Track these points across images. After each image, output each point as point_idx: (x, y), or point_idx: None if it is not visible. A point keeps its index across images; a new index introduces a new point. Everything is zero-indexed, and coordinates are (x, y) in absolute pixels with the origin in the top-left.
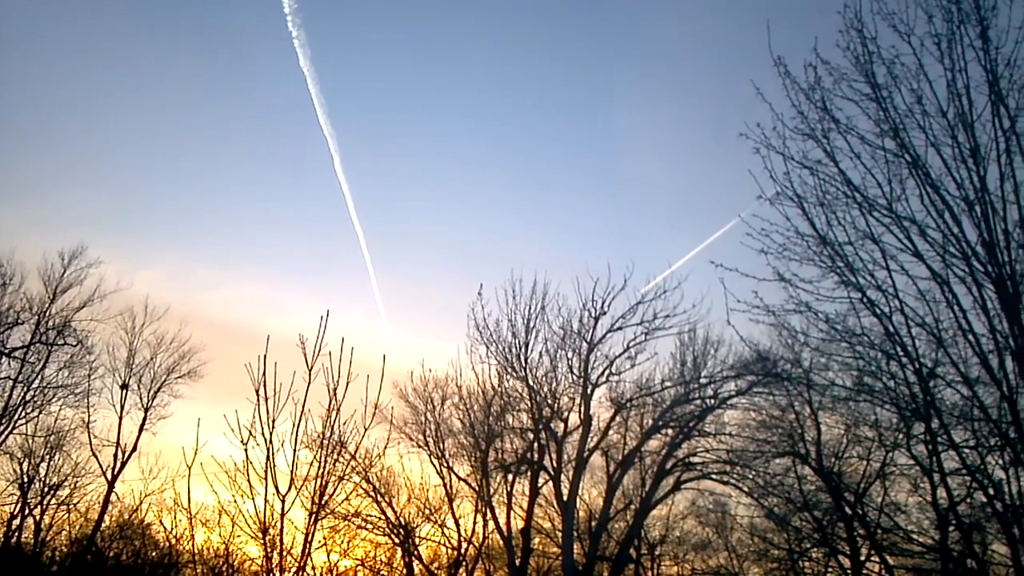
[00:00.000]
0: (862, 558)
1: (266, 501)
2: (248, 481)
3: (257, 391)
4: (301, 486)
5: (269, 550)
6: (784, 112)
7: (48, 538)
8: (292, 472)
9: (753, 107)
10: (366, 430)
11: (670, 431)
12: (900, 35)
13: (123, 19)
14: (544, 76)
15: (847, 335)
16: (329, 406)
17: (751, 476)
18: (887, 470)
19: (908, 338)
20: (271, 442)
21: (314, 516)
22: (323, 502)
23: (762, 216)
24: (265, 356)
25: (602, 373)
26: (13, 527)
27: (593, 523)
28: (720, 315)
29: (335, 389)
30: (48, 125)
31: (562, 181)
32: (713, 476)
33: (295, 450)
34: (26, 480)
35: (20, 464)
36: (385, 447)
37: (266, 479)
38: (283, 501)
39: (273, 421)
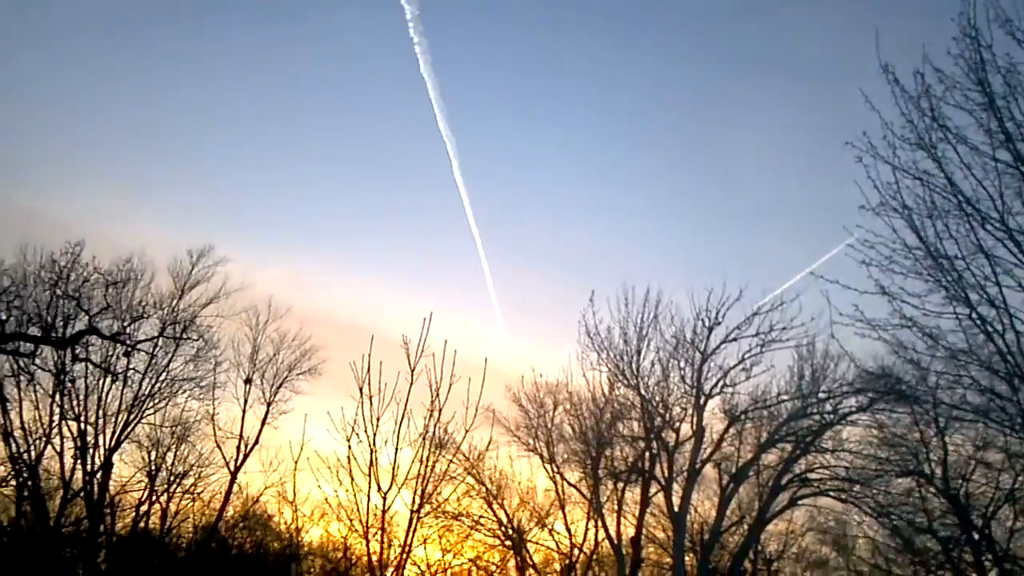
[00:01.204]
0: None
1: (368, 498)
2: (351, 476)
3: (361, 389)
4: (403, 484)
5: (373, 544)
6: (893, 121)
7: (174, 525)
8: (394, 470)
9: (858, 116)
10: (467, 432)
11: (786, 445)
12: (1018, 43)
13: (244, 23)
14: (657, 83)
15: (959, 353)
16: (432, 406)
17: (870, 495)
18: (1017, 494)
19: (1021, 357)
20: (374, 440)
21: (416, 514)
22: (423, 500)
23: (866, 227)
24: (369, 356)
25: (716, 384)
26: (141, 512)
27: (705, 535)
28: (846, 326)
29: (437, 390)
30: (180, 127)
31: (675, 191)
32: (831, 493)
33: (397, 448)
34: (154, 468)
35: (148, 453)
36: (487, 447)
37: (369, 476)
38: (384, 498)
39: (377, 420)
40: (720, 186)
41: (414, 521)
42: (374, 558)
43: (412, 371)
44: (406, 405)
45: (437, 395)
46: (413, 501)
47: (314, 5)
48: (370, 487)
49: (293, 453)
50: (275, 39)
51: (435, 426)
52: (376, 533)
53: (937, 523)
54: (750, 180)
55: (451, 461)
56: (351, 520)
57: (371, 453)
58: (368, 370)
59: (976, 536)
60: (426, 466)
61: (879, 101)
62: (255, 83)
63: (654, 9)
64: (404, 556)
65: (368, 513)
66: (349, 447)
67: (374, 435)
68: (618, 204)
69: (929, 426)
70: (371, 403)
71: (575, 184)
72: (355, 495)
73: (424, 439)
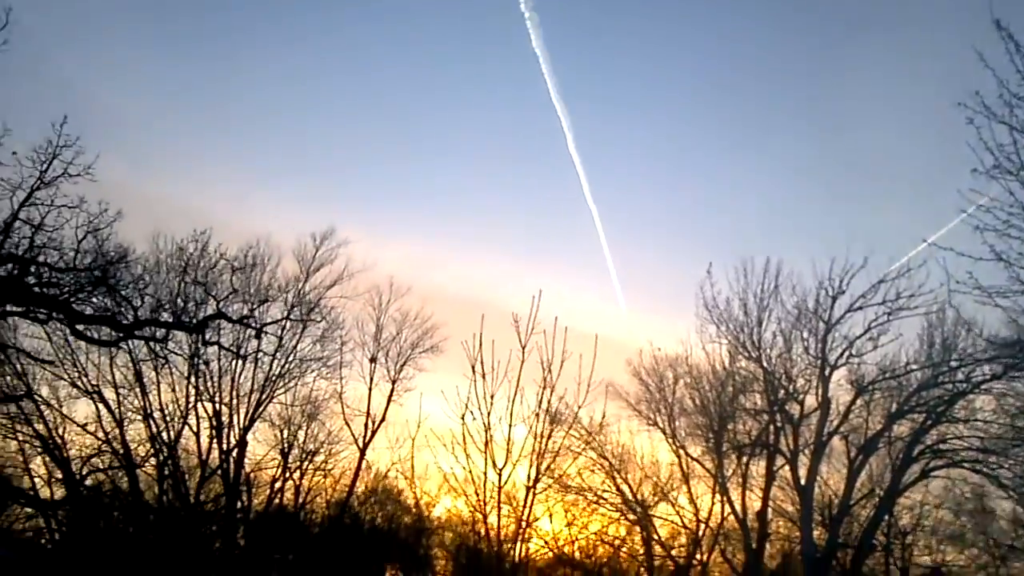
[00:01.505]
0: None
1: (484, 474)
2: (466, 453)
3: (473, 367)
4: (517, 460)
5: (491, 519)
6: (1009, 79)
7: (307, 501)
8: (508, 446)
9: (970, 76)
10: (579, 407)
11: (917, 416)
12: None
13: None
14: (774, 49)
15: None
16: (543, 382)
17: (1007, 466)
18: None
19: None
20: (488, 418)
21: (531, 489)
22: (539, 475)
23: (980, 191)
24: (480, 335)
25: (841, 354)
26: (276, 489)
27: (833, 508)
28: (964, 294)
29: (549, 366)
30: (302, 113)
31: (794, 158)
32: (965, 465)
33: (510, 425)
34: (286, 446)
35: (280, 431)
36: (602, 420)
37: (485, 453)
38: (499, 475)
39: (491, 397)
40: (840, 153)
41: (530, 496)
42: (491, 532)
43: (523, 348)
44: (518, 382)
45: (549, 371)
46: (528, 476)
47: None
48: (486, 463)
49: (411, 431)
50: (389, 22)
51: (548, 402)
52: (493, 508)
53: None
54: (870, 146)
55: (567, 435)
56: (475, 495)
57: (486, 430)
58: (480, 348)
59: None
60: (540, 441)
61: (993, 59)
62: (370, 65)
63: None
64: (521, 530)
65: (485, 488)
66: (464, 424)
67: (488, 413)
68: (736, 174)
69: None
70: (484, 381)
71: (693, 154)
72: (471, 471)
73: (537, 415)
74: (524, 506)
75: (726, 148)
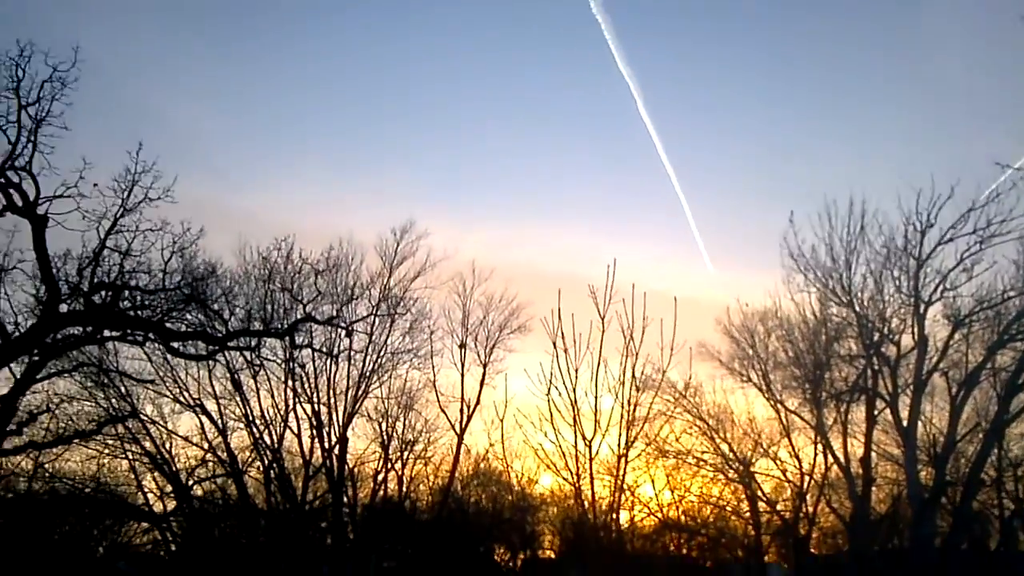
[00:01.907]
0: None
1: (575, 447)
2: (554, 428)
3: (554, 343)
4: (606, 430)
5: (585, 491)
6: None
7: (410, 490)
8: (595, 416)
9: None
10: (663, 373)
11: (1019, 344)
12: None
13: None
14: None
15: None
16: (625, 350)
17: None
18: None
19: None
20: (574, 392)
21: (624, 457)
22: (630, 443)
23: None
24: (559, 309)
25: (935, 290)
26: (379, 481)
27: (938, 447)
28: None
29: (631, 333)
30: (377, 109)
31: (871, 87)
32: None
33: (596, 396)
34: (386, 438)
35: (379, 424)
36: (689, 382)
37: (574, 426)
38: (589, 447)
39: (576, 371)
40: (918, 82)
41: (622, 464)
42: (587, 503)
43: (603, 319)
44: (600, 352)
45: (631, 339)
46: (619, 444)
47: None
48: (575, 436)
49: (499, 412)
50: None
51: (632, 368)
52: (588, 480)
53: None
54: (947, 74)
55: (656, 399)
56: (562, 468)
57: (572, 405)
58: (560, 323)
59: None
60: (629, 410)
61: None
62: (440, 54)
63: None
64: (616, 497)
65: (577, 461)
66: (549, 399)
67: (574, 387)
68: (813, 114)
69: None
70: (567, 355)
71: (766, 105)
72: (559, 445)
73: (622, 383)
74: (618, 474)
75: (800, 89)
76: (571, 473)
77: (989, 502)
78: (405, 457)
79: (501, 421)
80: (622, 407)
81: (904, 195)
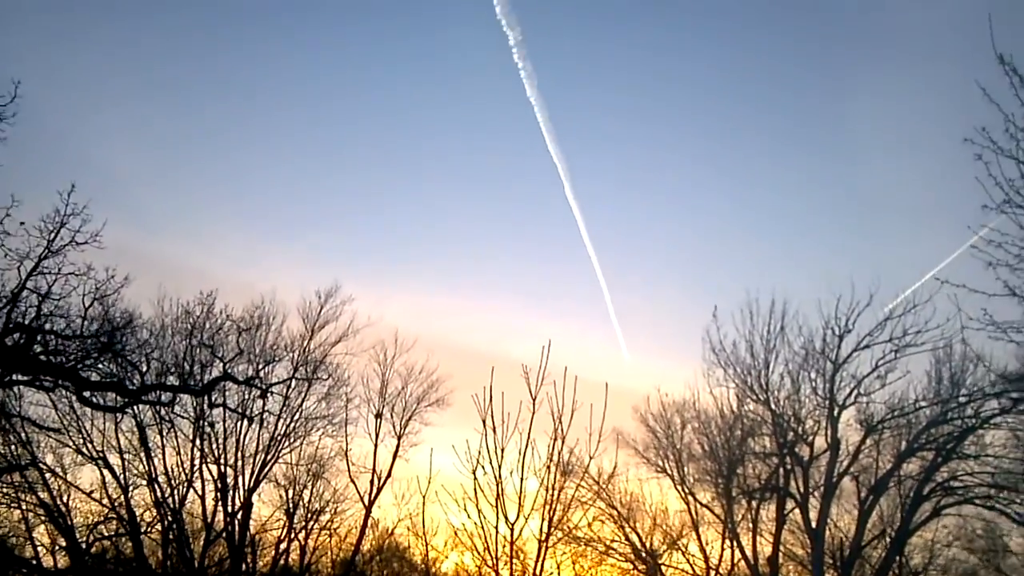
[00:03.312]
0: None
1: (496, 528)
2: (477, 508)
3: (484, 421)
4: (530, 513)
5: (503, 574)
6: (1014, 112)
7: (312, 561)
8: (520, 499)
9: (977, 110)
10: (591, 458)
11: (927, 454)
12: None
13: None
14: (774, 83)
15: None
16: (554, 434)
17: (1019, 501)
18: None
19: None
20: (499, 471)
21: (544, 542)
22: (552, 528)
23: (991, 226)
24: (491, 387)
25: (849, 394)
26: (281, 550)
27: (845, 551)
28: (976, 331)
29: (560, 416)
30: (304, 170)
31: (797, 196)
32: (976, 501)
33: (523, 478)
34: (291, 506)
35: (285, 491)
36: (613, 471)
37: (496, 507)
38: (511, 529)
39: (502, 451)
40: (844, 190)
41: (542, 550)
42: None
43: (534, 400)
44: (529, 434)
45: (560, 422)
46: (541, 529)
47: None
48: (497, 517)
49: (421, 487)
50: (385, 74)
51: (559, 453)
52: (506, 563)
53: None
54: (873, 182)
55: (579, 486)
56: (482, 550)
57: (497, 484)
58: (490, 401)
59: None
60: (552, 494)
61: (997, 93)
62: (369, 120)
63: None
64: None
65: (497, 543)
66: (475, 478)
67: (499, 466)
68: (737, 214)
69: None
70: (495, 434)
71: (692, 197)
72: (483, 525)
73: (549, 467)
74: (537, 560)
75: (727, 187)
76: (491, 555)
77: None
78: (310, 527)
79: (424, 496)
80: (546, 491)
81: (824, 299)
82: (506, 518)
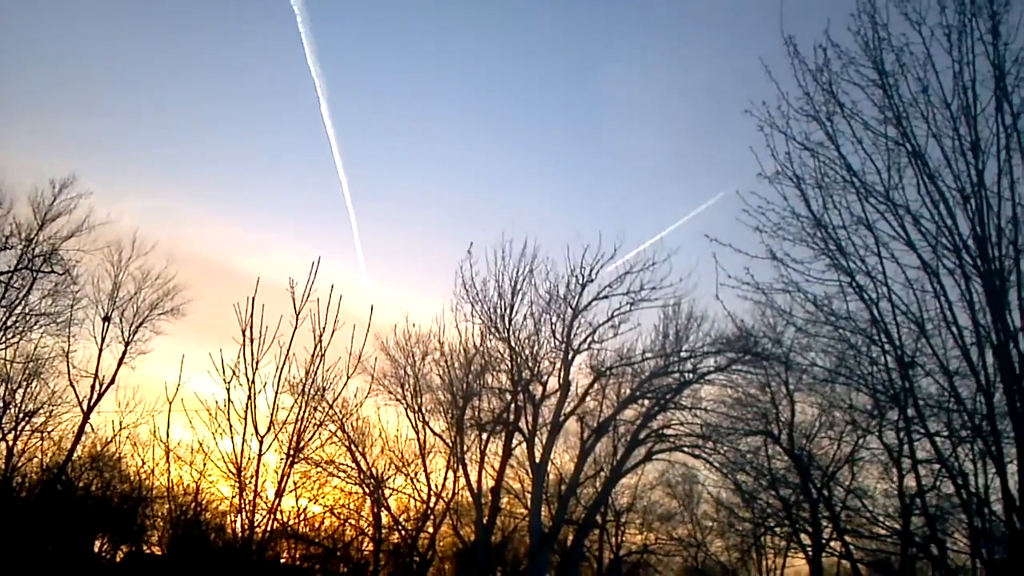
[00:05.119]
0: (824, 539)
1: (244, 441)
2: (228, 421)
3: (244, 332)
4: (279, 429)
5: (243, 490)
6: (790, 92)
7: (19, 464)
8: (272, 415)
9: (758, 84)
10: (348, 379)
11: (646, 402)
12: (911, 23)
13: None
14: (536, 42)
15: (833, 317)
16: (314, 352)
17: (722, 451)
18: (857, 455)
19: (892, 325)
20: (253, 383)
21: (290, 460)
22: (300, 447)
23: (759, 194)
24: (254, 298)
25: (584, 340)
26: None
27: (563, 487)
28: (706, 291)
29: (321, 335)
30: (46, 49)
31: (555, 148)
32: (685, 449)
33: (276, 393)
34: (1, 405)
35: None
36: (365, 397)
37: (245, 420)
38: (261, 443)
39: (257, 363)
40: (601, 145)
41: (285, 467)
42: (246, 503)
43: (297, 315)
44: (290, 347)
45: (320, 341)
46: (289, 447)
47: None
48: (245, 430)
49: (168, 393)
50: None
51: (317, 371)
52: (251, 479)
53: (780, 480)
54: (633, 139)
55: (327, 410)
56: (226, 463)
57: (248, 398)
58: (252, 314)
59: (815, 495)
60: (303, 412)
61: (780, 72)
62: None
63: None
64: (277, 502)
65: (242, 458)
66: (228, 390)
67: (253, 375)
68: (499, 158)
69: (780, 387)
70: (251, 345)
71: (453, 138)
72: (232, 438)
73: (304, 385)
74: (281, 478)
75: (495, 130)
76: (234, 469)
77: (595, 546)
78: (20, 428)
79: (169, 403)
80: (299, 409)
81: (573, 248)
82: (256, 431)
